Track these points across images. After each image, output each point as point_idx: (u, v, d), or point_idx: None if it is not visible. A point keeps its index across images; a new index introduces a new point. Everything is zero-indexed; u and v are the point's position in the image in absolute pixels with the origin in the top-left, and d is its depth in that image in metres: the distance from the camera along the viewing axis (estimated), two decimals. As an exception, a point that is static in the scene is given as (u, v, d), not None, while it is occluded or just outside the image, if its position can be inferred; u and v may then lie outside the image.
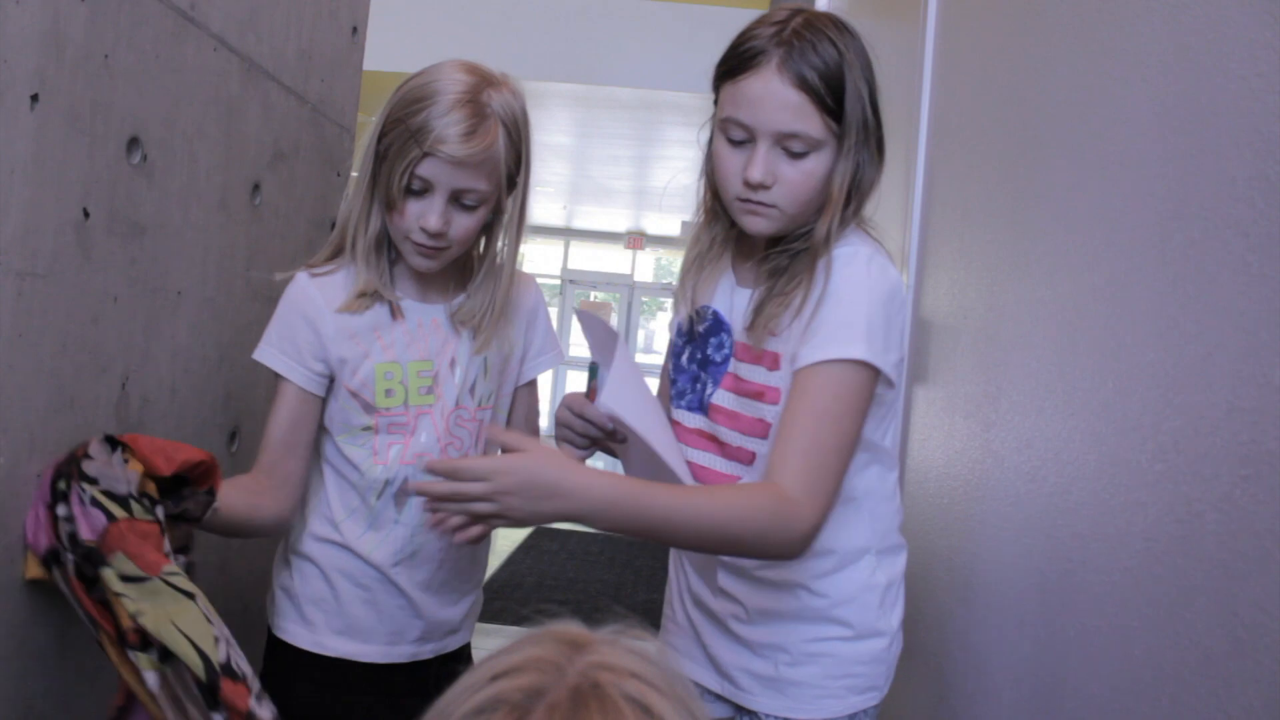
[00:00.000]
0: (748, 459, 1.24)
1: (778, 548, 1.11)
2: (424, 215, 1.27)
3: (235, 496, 1.24)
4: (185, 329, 1.32)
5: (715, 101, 1.23)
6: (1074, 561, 1.16)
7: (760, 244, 1.25)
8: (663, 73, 5.44)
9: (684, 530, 1.09)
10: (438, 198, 1.27)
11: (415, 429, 1.35)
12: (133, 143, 1.19)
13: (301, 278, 1.35)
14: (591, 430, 1.28)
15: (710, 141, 1.25)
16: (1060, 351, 1.26)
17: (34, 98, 1.02)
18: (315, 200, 1.74)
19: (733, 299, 1.26)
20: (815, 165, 1.16)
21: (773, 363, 1.20)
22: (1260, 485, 0.82)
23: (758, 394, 1.22)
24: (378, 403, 1.34)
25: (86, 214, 1.12)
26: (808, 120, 1.14)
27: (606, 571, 5.57)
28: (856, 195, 1.21)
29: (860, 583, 1.25)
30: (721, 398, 1.25)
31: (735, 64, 1.17)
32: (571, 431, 1.29)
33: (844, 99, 1.15)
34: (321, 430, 1.37)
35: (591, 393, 1.29)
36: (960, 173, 1.78)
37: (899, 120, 2.09)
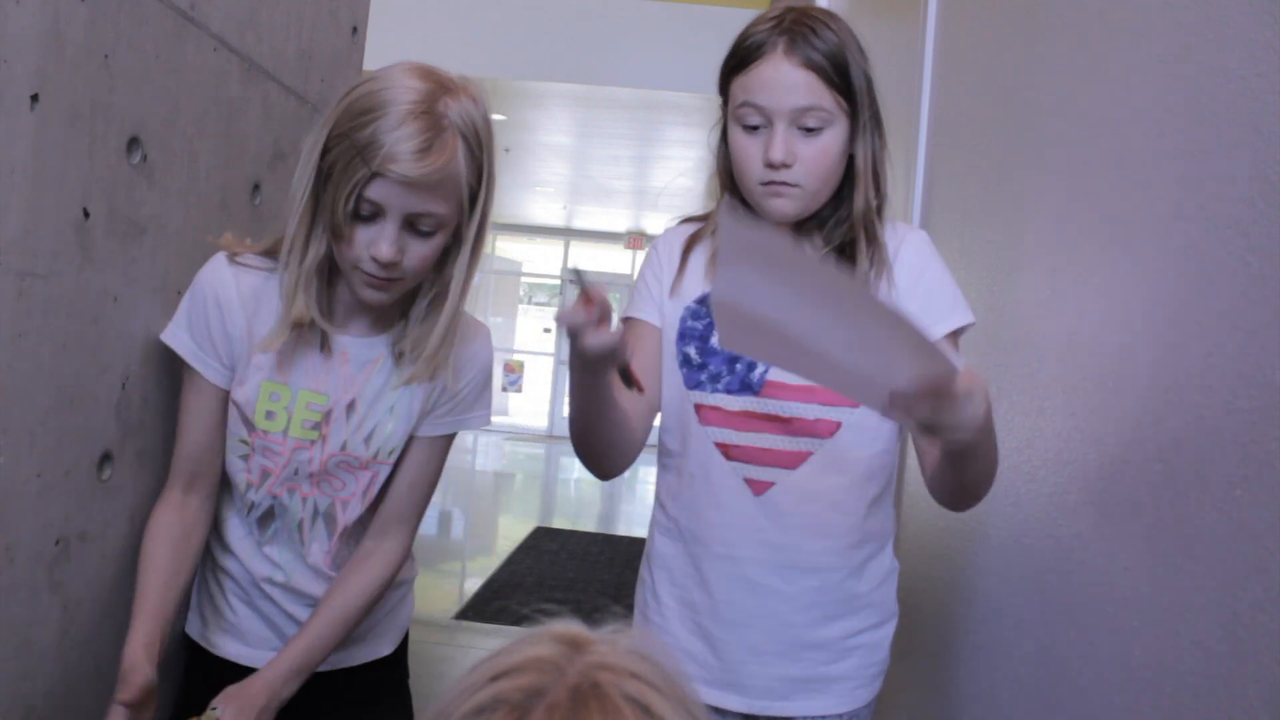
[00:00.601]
0: (828, 431, 1.24)
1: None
2: (375, 243, 1.12)
3: (173, 566, 1.20)
4: (185, 329, 1.32)
5: (724, 101, 1.26)
6: (1074, 561, 1.16)
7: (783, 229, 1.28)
8: (663, 73, 5.44)
9: (992, 454, 1.13)
10: (389, 223, 1.12)
11: (290, 460, 1.24)
12: (133, 143, 1.19)
13: (220, 260, 1.22)
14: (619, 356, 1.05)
15: (722, 140, 1.28)
16: (1060, 351, 1.26)
17: (34, 98, 1.02)
18: (315, 200, 1.74)
19: None
20: (830, 140, 1.21)
21: None
22: (1260, 485, 0.82)
23: None
24: (257, 422, 1.22)
25: (86, 214, 1.12)
26: (819, 95, 1.19)
27: (606, 571, 5.56)
28: (879, 179, 1.26)
29: (887, 567, 1.31)
30: (783, 374, 1.24)
31: (742, 57, 1.21)
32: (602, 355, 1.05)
33: (850, 77, 1.20)
34: None
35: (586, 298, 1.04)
36: (960, 173, 1.78)
37: (899, 120, 2.09)
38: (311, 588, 1.29)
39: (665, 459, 1.33)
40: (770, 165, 1.19)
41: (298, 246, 1.17)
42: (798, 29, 1.19)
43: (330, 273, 1.22)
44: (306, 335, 1.21)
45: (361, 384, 1.24)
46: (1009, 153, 1.53)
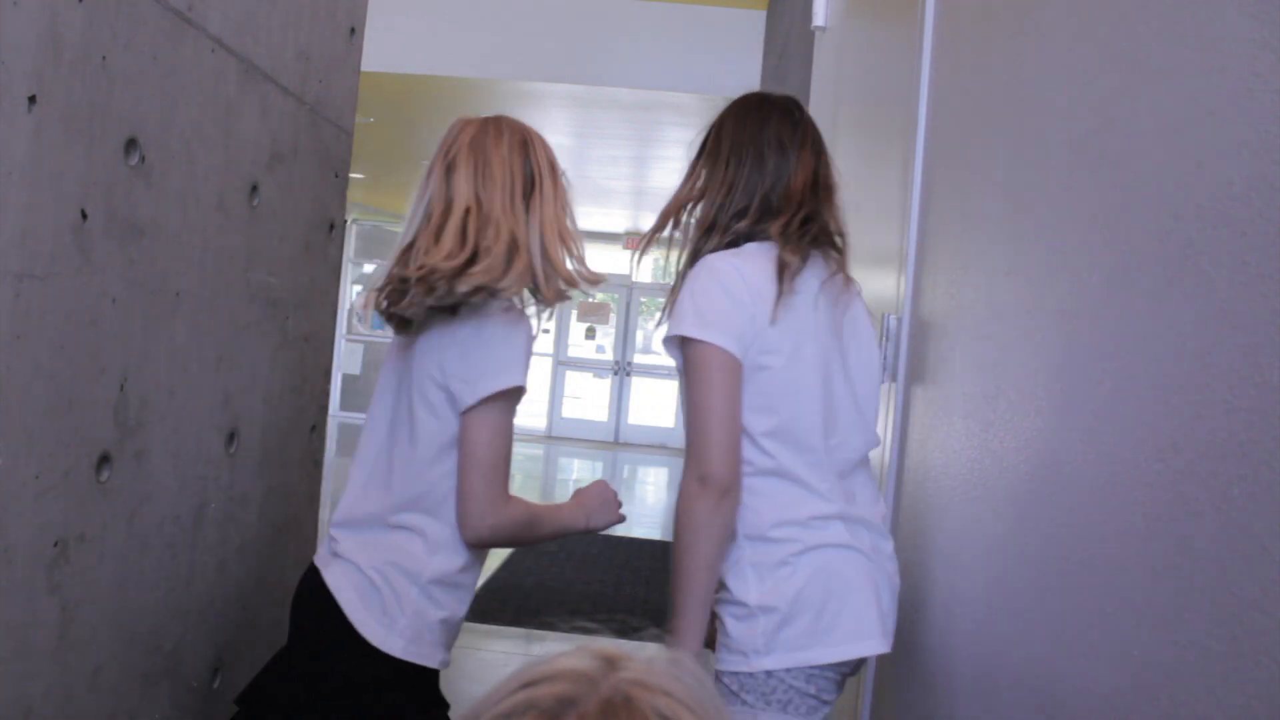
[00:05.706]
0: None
1: None
2: None
3: None
4: (183, 330, 1.32)
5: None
6: (1074, 562, 1.16)
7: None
8: (662, 73, 5.43)
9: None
10: None
11: None
12: (130, 144, 1.19)
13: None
14: None
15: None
16: (1059, 351, 1.26)
17: (31, 99, 1.01)
18: (313, 201, 1.74)
19: None
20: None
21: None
22: (1259, 485, 0.82)
23: None
24: None
25: (84, 215, 1.11)
26: None
27: (605, 572, 5.57)
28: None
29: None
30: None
31: None
32: None
33: None
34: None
35: None
36: (959, 173, 1.78)
37: (899, 120, 2.09)
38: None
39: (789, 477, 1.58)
40: None
41: None
42: None
43: None
44: None
45: None
46: (1008, 153, 1.53)
